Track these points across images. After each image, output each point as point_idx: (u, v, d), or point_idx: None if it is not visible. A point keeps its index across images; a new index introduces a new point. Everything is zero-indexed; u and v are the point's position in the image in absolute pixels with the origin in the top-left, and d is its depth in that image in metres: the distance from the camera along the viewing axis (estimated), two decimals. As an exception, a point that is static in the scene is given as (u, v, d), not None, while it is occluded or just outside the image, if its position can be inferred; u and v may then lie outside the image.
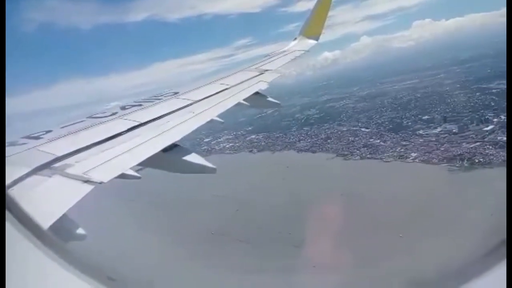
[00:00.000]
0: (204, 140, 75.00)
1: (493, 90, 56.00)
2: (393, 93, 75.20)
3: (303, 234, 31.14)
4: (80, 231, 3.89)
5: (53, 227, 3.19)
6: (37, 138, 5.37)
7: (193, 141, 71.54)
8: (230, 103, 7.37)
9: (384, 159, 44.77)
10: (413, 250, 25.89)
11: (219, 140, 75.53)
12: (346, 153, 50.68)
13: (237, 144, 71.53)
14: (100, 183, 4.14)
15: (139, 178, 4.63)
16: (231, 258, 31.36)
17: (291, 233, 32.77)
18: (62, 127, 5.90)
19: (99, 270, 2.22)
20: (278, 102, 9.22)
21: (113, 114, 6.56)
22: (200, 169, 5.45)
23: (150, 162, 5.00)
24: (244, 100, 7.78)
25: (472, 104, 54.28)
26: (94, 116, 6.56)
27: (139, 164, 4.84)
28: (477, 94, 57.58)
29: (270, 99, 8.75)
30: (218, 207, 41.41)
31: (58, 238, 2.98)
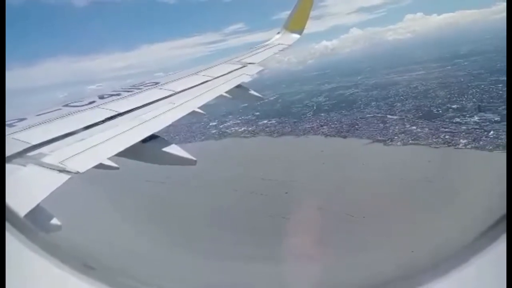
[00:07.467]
0: (210, 124, 72.27)
1: (515, 83, 56.67)
2: (404, 82, 75.12)
3: (382, 217, 29.72)
4: (55, 221, 3.73)
5: (27, 217, 3.05)
6: (10, 125, 5.13)
7: (199, 124, 68.89)
8: (212, 95, 7.34)
9: (432, 145, 43.83)
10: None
11: (226, 124, 73.11)
12: (384, 139, 49.26)
13: (250, 128, 69.27)
14: (77, 173, 3.99)
15: (117, 168, 4.52)
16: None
17: (366, 216, 31.20)
18: (37, 115, 5.70)
19: (76, 258, 2.13)
20: (260, 95, 9.26)
21: (91, 103, 6.39)
22: (180, 160, 5.39)
23: (129, 153, 4.90)
24: (226, 92, 7.77)
25: (499, 95, 54.64)
26: (70, 104, 6.38)
27: (118, 155, 4.71)
28: (499, 85, 58.15)
29: (252, 92, 8.72)
30: (266, 190, 39.16)
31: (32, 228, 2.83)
